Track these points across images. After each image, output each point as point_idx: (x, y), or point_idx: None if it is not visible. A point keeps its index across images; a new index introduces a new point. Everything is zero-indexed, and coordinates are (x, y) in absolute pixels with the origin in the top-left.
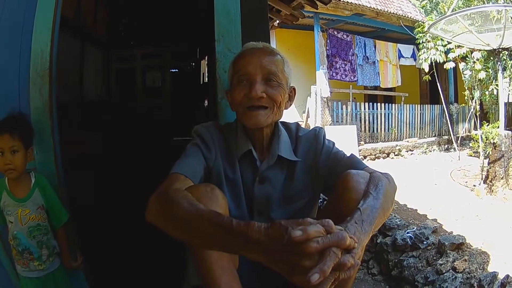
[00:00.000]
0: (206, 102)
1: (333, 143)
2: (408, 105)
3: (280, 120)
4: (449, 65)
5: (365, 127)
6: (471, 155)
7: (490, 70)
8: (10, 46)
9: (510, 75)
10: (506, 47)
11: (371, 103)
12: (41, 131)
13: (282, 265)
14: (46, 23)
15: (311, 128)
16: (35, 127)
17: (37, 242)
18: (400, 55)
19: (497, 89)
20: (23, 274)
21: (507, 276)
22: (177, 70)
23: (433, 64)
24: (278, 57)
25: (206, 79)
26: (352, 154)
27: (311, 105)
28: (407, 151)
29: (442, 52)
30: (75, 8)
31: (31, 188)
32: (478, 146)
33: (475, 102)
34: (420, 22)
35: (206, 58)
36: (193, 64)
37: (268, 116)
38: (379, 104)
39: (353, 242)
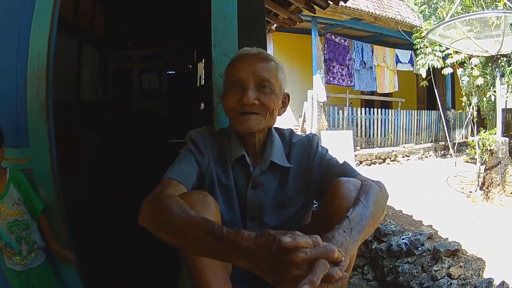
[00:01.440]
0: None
1: (326, 150)
2: (405, 110)
3: (274, 126)
4: (447, 71)
5: (361, 132)
6: (467, 162)
7: (488, 76)
8: (8, 47)
9: (508, 81)
10: (504, 53)
11: (367, 108)
12: (37, 132)
13: (270, 274)
14: (43, 24)
15: (305, 135)
16: (32, 129)
17: (16, 237)
18: (398, 60)
19: (494, 96)
20: (9, 266)
21: (503, 282)
22: (174, 72)
23: (431, 69)
24: (272, 63)
25: (203, 81)
26: (345, 162)
27: (307, 110)
28: (403, 157)
29: (440, 57)
30: (73, 9)
31: (6, 185)
32: (475, 152)
33: (473, 108)
34: (418, 27)
35: (203, 61)
36: (190, 66)
37: (260, 121)
38: (375, 109)
39: (341, 255)
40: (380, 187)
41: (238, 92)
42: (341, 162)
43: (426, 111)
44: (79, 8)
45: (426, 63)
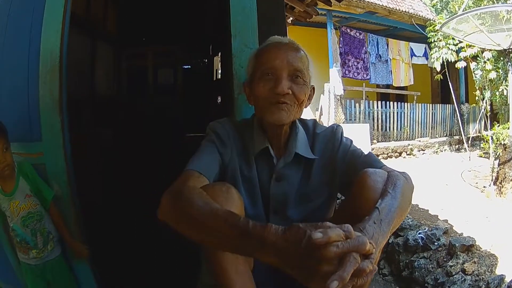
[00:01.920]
0: (219, 98)
1: (351, 141)
2: (420, 104)
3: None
4: (460, 65)
5: (377, 125)
6: (481, 156)
7: (500, 70)
8: (20, 43)
9: None
10: None
11: (383, 102)
12: (51, 128)
13: (299, 270)
14: (55, 20)
15: (329, 125)
16: (45, 123)
17: (31, 231)
18: (412, 54)
19: (507, 90)
20: (24, 261)
21: None
22: (189, 67)
23: (445, 63)
24: (303, 55)
25: (220, 75)
26: (370, 152)
27: (324, 103)
28: (419, 151)
29: (454, 51)
30: (85, 4)
31: (16, 180)
32: (489, 147)
33: (486, 103)
34: (431, 21)
35: (220, 54)
36: (206, 60)
37: (290, 113)
38: (391, 102)
39: (372, 247)
40: (406, 178)
41: (270, 80)
42: (365, 153)
43: (440, 105)
44: (91, 4)
45: (440, 56)
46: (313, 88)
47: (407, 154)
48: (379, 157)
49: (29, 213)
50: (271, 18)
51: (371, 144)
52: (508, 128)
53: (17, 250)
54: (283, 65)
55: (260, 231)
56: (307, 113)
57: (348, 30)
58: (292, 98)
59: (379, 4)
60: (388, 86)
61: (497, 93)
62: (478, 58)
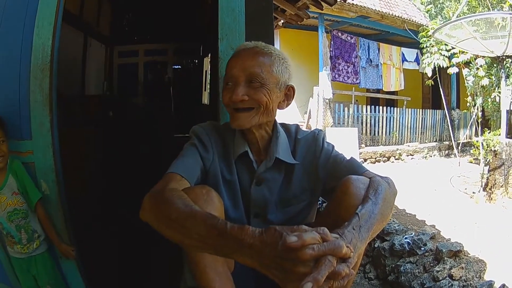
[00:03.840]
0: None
1: (333, 146)
2: (410, 109)
3: (280, 122)
4: (453, 70)
5: (366, 129)
6: (471, 162)
7: (493, 77)
8: (12, 39)
9: None
10: (510, 54)
11: (373, 106)
12: (41, 125)
13: (275, 271)
14: (48, 16)
15: (310, 130)
16: (35, 122)
17: (16, 226)
18: (404, 59)
19: (499, 97)
20: (12, 254)
21: (503, 285)
22: (180, 67)
23: (436, 69)
24: (267, 57)
25: (209, 76)
26: (352, 158)
27: (313, 106)
28: (408, 156)
29: (446, 57)
30: (78, 1)
31: (5, 176)
32: (479, 153)
33: (477, 109)
34: (424, 26)
35: (209, 55)
36: (196, 61)
37: (252, 117)
38: (381, 107)
39: (349, 251)
40: (388, 183)
41: (230, 88)
42: (348, 158)
43: (431, 110)
44: (84, 1)
45: (431, 62)
46: (292, 88)
47: (396, 159)
48: (367, 161)
49: (14, 210)
50: (259, 20)
51: (360, 148)
52: (499, 135)
53: (6, 243)
54: (239, 73)
55: (238, 232)
56: (296, 116)
57: (339, 34)
58: (252, 102)
59: (371, 8)
60: (378, 91)
61: (489, 99)
62: (470, 64)
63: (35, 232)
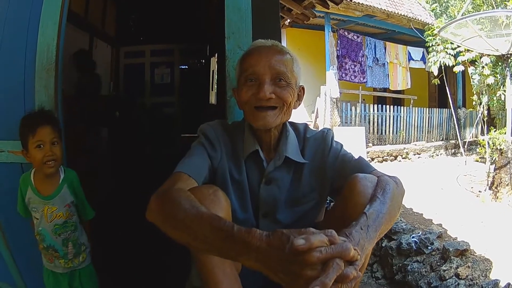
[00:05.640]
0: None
1: (341, 145)
2: (416, 108)
3: (288, 121)
4: (458, 69)
5: (373, 129)
6: (477, 161)
7: (498, 75)
8: (16, 40)
9: None
10: None
11: (380, 105)
12: None
13: (282, 275)
14: (53, 17)
15: (319, 129)
16: None
17: (63, 240)
18: (410, 58)
19: (504, 95)
20: (47, 267)
21: (508, 284)
22: (186, 67)
23: (442, 67)
24: (288, 56)
25: (216, 76)
26: (360, 157)
27: (320, 106)
28: (415, 154)
29: (452, 55)
30: (83, 1)
31: (59, 185)
32: (485, 151)
33: (483, 107)
34: (430, 25)
35: (216, 55)
36: (203, 61)
37: (277, 116)
38: (387, 106)
39: (357, 254)
40: (396, 182)
41: (253, 85)
42: (356, 157)
43: (437, 109)
44: (89, 1)
45: (437, 60)
46: (303, 88)
47: (403, 158)
48: (374, 160)
49: (65, 222)
50: (266, 19)
51: (367, 147)
52: (505, 133)
53: (42, 255)
54: (264, 70)
55: (244, 235)
56: (303, 115)
57: (346, 33)
58: (277, 100)
59: (377, 7)
60: (384, 90)
61: (494, 98)
62: (476, 62)
63: (83, 245)
